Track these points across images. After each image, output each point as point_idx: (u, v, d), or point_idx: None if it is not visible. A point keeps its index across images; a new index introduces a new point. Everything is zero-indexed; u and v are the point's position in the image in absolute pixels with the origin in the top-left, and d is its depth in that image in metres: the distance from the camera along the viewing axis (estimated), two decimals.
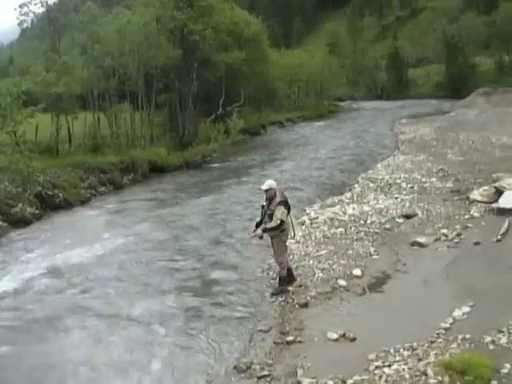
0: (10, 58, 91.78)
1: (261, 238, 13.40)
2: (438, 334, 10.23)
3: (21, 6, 43.66)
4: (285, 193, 13.70)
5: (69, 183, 26.75)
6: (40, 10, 45.61)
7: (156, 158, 35.50)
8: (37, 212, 23.45)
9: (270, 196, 13.03)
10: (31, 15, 46.02)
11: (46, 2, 43.48)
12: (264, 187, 13.08)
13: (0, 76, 37.37)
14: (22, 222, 22.16)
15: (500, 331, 9.95)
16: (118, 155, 33.59)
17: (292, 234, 13.91)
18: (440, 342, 9.91)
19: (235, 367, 10.05)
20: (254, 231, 13.50)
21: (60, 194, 25.37)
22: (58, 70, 34.61)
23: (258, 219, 13.58)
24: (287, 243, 13.86)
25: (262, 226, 13.12)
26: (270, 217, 12.93)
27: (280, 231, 13.09)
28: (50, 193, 24.85)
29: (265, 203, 13.28)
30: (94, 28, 38.15)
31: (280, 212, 12.79)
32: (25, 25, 53.62)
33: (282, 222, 12.88)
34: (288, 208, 13.10)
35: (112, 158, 32.76)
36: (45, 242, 19.59)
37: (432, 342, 9.93)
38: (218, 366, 10.19)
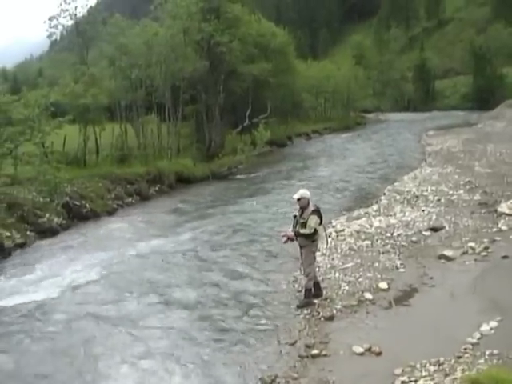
0: (40, 69, 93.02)
1: (292, 240, 13.38)
2: (465, 348, 10.11)
3: (50, 19, 44.33)
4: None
5: (96, 194, 26.91)
6: (69, 22, 46.14)
7: (182, 169, 35.61)
8: (64, 222, 23.63)
9: (303, 205, 13.03)
10: (60, 28, 46.68)
11: (75, 15, 44.11)
12: (296, 196, 13.10)
13: (29, 88, 37.65)
14: (49, 232, 22.35)
15: None
16: (145, 166, 33.77)
17: (325, 246, 13.96)
18: (467, 358, 9.80)
19: (260, 380, 10.02)
20: (286, 241, 13.57)
21: (87, 205, 25.54)
22: (85, 81, 34.97)
23: (289, 229, 13.57)
24: (316, 254, 13.83)
25: (296, 230, 13.10)
26: (303, 225, 12.93)
27: (311, 241, 13.10)
28: (77, 203, 25.02)
29: (297, 213, 13.28)
30: (121, 40, 38.46)
31: (314, 221, 12.84)
32: (54, 37, 54.37)
33: (315, 231, 12.91)
34: (320, 217, 13.10)
35: (139, 168, 32.94)
36: (71, 251, 19.70)
37: (459, 357, 9.82)
38: (243, 379, 10.16)
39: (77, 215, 24.80)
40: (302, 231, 12.90)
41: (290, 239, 13.37)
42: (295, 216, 13.37)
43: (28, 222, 22.13)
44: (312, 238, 13.03)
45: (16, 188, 23.54)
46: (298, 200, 13.07)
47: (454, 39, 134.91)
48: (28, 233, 21.66)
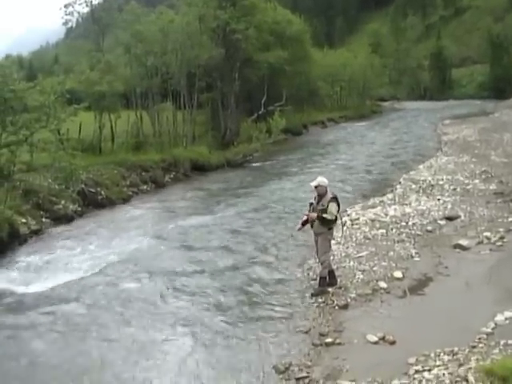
0: (56, 57, 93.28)
1: (309, 223, 13.32)
2: (479, 338, 10.09)
3: (66, 6, 44.58)
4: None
5: (111, 181, 27.02)
6: (84, 9, 46.39)
7: (198, 156, 35.63)
8: (79, 209, 23.79)
9: (321, 192, 12.99)
10: (76, 15, 46.92)
11: (91, 2, 44.38)
12: (314, 184, 13.06)
13: (45, 75, 37.71)
14: (64, 219, 22.47)
15: None
16: (160, 154, 33.86)
17: (339, 234, 13.98)
18: (481, 347, 9.78)
19: (273, 368, 10.03)
20: (300, 228, 13.63)
21: (102, 192, 25.65)
22: (101, 68, 35.07)
23: (304, 217, 13.55)
24: (331, 242, 13.83)
25: (318, 213, 12.99)
26: (323, 212, 12.86)
27: (327, 229, 13.08)
28: (92, 190, 25.13)
29: (313, 201, 13.25)
30: (137, 27, 38.51)
31: (334, 208, 12.82)
32: (69, 24, 54.67)
33: (336, 218, 12.90)
34: (338, 205, 13.07)
35: (154, 156, 33.02)
36: (86, 238, 19.80)
37: (473, 347, 9.80)
38: (257, 367, 10.16)
39: (92, 202, 24.92)
40: (325, 215, 12.83)
41: (309, 221, 13.27)
42: (311, 204, 13.34)
43: (43, 209, 22.27)
44: (329, 225, 13.02)
45: (32, 175, 23.62)
46: (316, 187, 13.03)
47: (471, 27, 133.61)
48: (43, 219, 21.80)
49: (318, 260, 13.65)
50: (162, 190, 29.97)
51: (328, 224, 12.97)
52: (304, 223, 13.50)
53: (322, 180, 13.11)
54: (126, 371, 10.36)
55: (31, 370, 10.70)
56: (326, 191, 13.00)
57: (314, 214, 13.05)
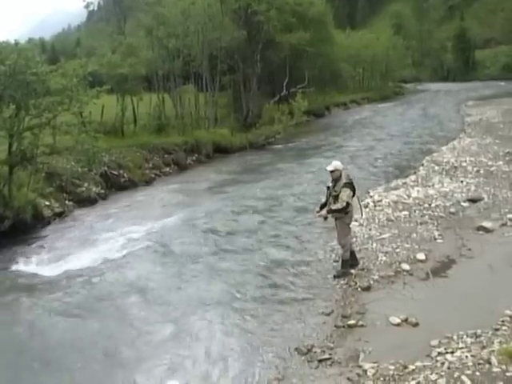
0: (77, 40, 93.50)
1: (325, 219, 13.31)
2: (502, 321, 10.03)
3: None
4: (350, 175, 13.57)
5: (133, 163, 27.12)
6: None
7: (220, 138, 35.69)
8: (102, 191, 23.95)
9: (336, 177, 12.91)
10: None
11: None
12: (329, 168, 12.97)
13: (68, 58, 37.82)
14: (87, 202, 22.66)
15: None
16: (182, 136, 33.95)
17: (360, 215, 13.95)
18: (505, 330, 9.71)
19: (296, 349, 10.04)
20: (319, 212, 13.49)
21: (125, 174, 25.80)
22: (123, 51, 35.10)
23: (322, 200, 13.49)
24: (351, 226, 13.78)
25: (327, 208, 13.03)
26: (335, 198, 12.83)
27: (344, 213, 13.00)
28: (115, 173, 25.27)
29: (330, 184, 13.19)
30: (158, 9, 38.46)
31: (346, 194, 12.70)
32: (91, 7, 54.76)
33: (348, 204, 12.81)
34: (353, 190, 13.00)
35: (176, 138, 33.10)
36: (110, 221, 19.94)
37: (496, 330, 9.74)
38: (279, 348, 10.18)
39: (115, 184, 25.08)
40: (334, 207, 12.80)
41: (324, 219, 13.34)
42: (328, 187, 13.28)
43: (66, 192, 22.45)
44: (345, 210, 12.95)
45: (55, 158, 23.70)
46: (331, 172, 12.96)
47: (495, 8, 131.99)
48: (66, 202, 21.97)
49: (338, 243, 13.63)
50: (184, 172, 30.06)
51: (344, 209, 12.92)
52: (322, 208, 13.51)
53: (336, 164, 13.03)
54: (149, 353, 10.43)
55: (53, 350, 10.78)
56: (341, 175, 12.93)
57: (324, 213, 13.03)
